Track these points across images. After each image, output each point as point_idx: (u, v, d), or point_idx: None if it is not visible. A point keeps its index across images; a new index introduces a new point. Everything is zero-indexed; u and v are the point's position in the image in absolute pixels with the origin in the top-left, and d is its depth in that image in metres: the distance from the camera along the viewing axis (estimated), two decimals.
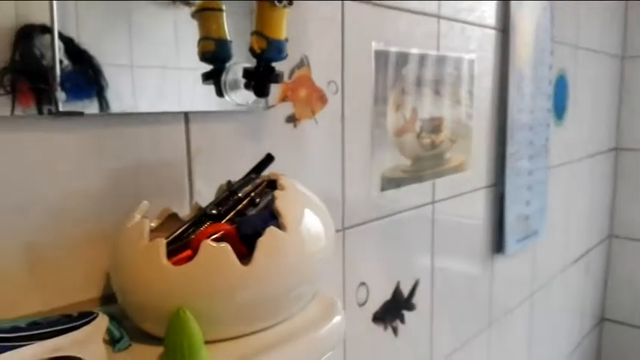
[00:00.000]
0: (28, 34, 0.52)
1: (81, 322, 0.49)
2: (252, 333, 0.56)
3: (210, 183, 0.69)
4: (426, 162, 1.15)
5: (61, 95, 0.55)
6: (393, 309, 1.11)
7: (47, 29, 0.53)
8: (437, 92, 1.16)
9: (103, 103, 0.59)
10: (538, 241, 1.65)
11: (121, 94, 0.60)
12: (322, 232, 0.61)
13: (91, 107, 0.58)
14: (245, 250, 0.56)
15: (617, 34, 2.11)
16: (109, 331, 0.54)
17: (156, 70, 0.65)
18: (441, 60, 1.15)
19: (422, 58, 1.10)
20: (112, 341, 0.55)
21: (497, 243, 1.45)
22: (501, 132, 1.40)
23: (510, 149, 1.42)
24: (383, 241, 1.06)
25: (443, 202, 1.22)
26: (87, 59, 0.57)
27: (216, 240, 0.55)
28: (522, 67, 1.43)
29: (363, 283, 1.01)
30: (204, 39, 0.69)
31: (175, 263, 0.53)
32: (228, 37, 0.69)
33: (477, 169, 1.34)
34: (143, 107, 0.63)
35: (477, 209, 1.38)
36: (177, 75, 0.68)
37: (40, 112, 0.54)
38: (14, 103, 0.52)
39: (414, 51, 1.07)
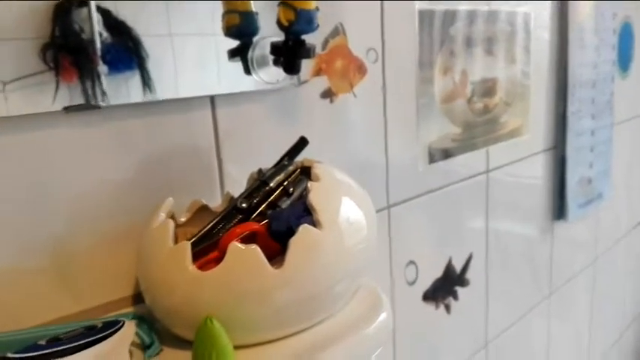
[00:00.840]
0: (66, 9, 0.51)
1: (105, 333, 0.47)
2: (290, 335, 0.52)
3: (242, 170, 0.65)
4: (479, 128, 1.07)
5: (103, 68, 0.53)
6: (445, 286, 1.05)
7: (84, 2, 0.51)
8: (489, 51, 1.06)
9: (145, 75, 0.56)
10: (602, 204, 1.54)
11: (162, 65, 0.58)
12: (363, 222, 0.55)
13: (134, 79, 0.56)
14: (278, 247, 0.51)
15: None
16: (139, 336, 0.52)
17: (194, 40, 0.61)
18: (492, 15, 1.05)
19: (471, 15, 1.00)
20: (143, 346, 0.52)
21: (559, 210, 1.36)
22: (562, 90, 1.29)
23: (571, 108, 1.30)
24: (432, 217, 1.00)
25: (498, 170, 1.13)
26: (126, 31, 0.55)
27: (245, 239, 0.51)
28: (583, 17, 1.30)
29: (411, 262, 0.96)
30: (228, 12, 0.63)
31: (202, 267, 0.48)
32: (254, 9, 0.63)
33: (535, 132, 1.24)
34: (181, 82, 0.60)
35: (535, 175, 1.28)
36: (209, 49, 0.63)
37: (84, 87, 0.52)
38: (58, 79, 0.50)
39: (463, 7, 0.98)
